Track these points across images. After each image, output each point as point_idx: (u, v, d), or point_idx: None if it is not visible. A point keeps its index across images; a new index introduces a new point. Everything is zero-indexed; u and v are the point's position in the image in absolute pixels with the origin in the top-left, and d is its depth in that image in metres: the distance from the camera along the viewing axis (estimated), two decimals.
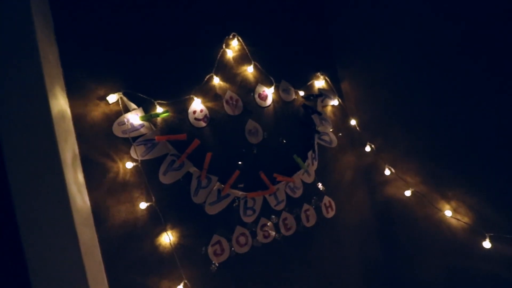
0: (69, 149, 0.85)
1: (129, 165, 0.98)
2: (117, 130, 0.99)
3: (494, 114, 0.98)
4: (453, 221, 1.12)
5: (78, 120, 0.94)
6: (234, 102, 1.22)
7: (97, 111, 0.98)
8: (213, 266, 1.07)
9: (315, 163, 1.36)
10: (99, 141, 0.97)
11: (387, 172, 1.30)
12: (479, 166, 1.04)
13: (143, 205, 0.97)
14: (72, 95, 0.94)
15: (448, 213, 1.10)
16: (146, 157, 1.02)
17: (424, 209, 1.23)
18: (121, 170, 0.99)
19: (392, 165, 1.30)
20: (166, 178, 1.04)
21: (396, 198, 1.35)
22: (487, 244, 0.99)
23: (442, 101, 1.12)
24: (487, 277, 1.04)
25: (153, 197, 0.99)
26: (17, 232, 0.73)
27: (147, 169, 1.01)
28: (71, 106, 0.94)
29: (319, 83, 1.46)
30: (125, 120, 1.00)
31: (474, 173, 1.06)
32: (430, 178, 1.19)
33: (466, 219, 1.07)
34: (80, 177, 0.90)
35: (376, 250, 1.45)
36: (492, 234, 0.99)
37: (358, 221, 1.44)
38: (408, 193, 1.23)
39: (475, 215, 1.05)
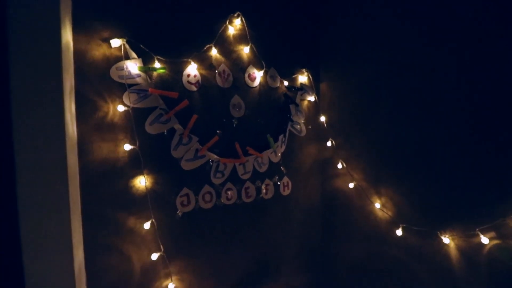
0: (68, 80, 0.91)
1: (121, 108, 1.05)
2: (114, 74, 1.05)
3: (416, 136, 1.25)
4: (379, 213, 1.40)
5: (79, 55, 0.99)
6: (226, 76, 1.34)
7: (98, 51, 1.03)
8: (178, 213, 1.21)
9: (283, 147, 1.54)
10: (95, 79, 1.03)
11: (339, 165, 1.54)
12: (405, 175, 1.31)
13: (127, 147, 1.06)
14: (77, 30, 0.98)
15: (377, 205, 1.37)
16: (137, 105, 1.10)
17: (360, 201, 1.49)
18: (111, 112, 1.06)
19: (345, 161, 1.54)
20: (151, 128, 1.13)
21: (341, 189, 1.60)
22: (399, 232, 1.27)
23: (391, 121, 1.37)
24: (394, 258, 1.33)
25: (137, 142, 1.09)
26: (12, 146, 0.78)
27: (135, 116, 1.10)
28: (74, 40, 0.98)
29: (303, 78, 1.63)
30: (124, 66, 1.06)
31: (401, 179, 1.33)
32: (371, 177, 1.45)
33: (389, 212, 1.34)
34: (73, 108, 0.96)
35: (317, 230, 1.71)
36: (404, 225, 1.27)
37: (307, 203, 1.67)
38: (351, 185, 1.49)
39: (396, 210, 1.33)
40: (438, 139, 1.21)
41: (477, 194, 1.09)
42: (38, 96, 0.81)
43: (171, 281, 1.17)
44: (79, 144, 0.99)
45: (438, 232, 1.17)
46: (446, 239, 1.14)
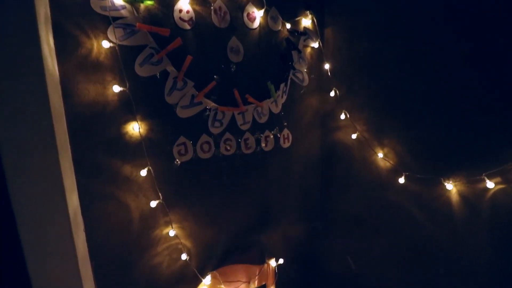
0: (41, 6, 0.79)
1: (106, 44, 0.94)
2: (95, 4, 0.92)
3: (422, 82, 1.17)
4: (381, 163, 1.37)
5: None
6: (222, 14, 1.20)
7: None
8: (176, 162, 1.16)
9: (285, 97, 1.46)
10: (74, 10, 0.90)
11: (342, 116, 1.47)
12: (409, 123, 1.26)
13: (116, 88, 0.97)
14: None
15: (380, 155, 1.34)
16: (124, 43, 0.99)
17: (362, 152, 1.46)
18: (95, 49, 0.95)
19: (348, 112, 1.48)
20: (142, 70, 1.03)
21: (342, 142, 1.56)
22: (401, 180, 1.25)
23: (399, 68, 1.27)
24: (394, 207, 1.34)
25: (127, 83, 0.99)
26: None
27: (123, 55, 0.99)
28: None
29: (306, 21, 1.49)
30: None
31: (405, 127, 1.28)
32: (374, 127, 1.40)
33: (392, 162, 1.31)
34: (51, 41, 0.85)
35: (316, 183, 1.70)
36: (407, 173, 1.25)
37: (307, 156, 1.64)
38: (354, 136, 1.44)
39: (399, 159, 1.30)
40: (443, 85, 1.14)
41: (484, 139, 1.05)
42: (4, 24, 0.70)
43: (172, 228, 1.17)
44: (63, 85, 0.90)
45: (442, 179, 1.15)
46: (449, 185, 1.13)
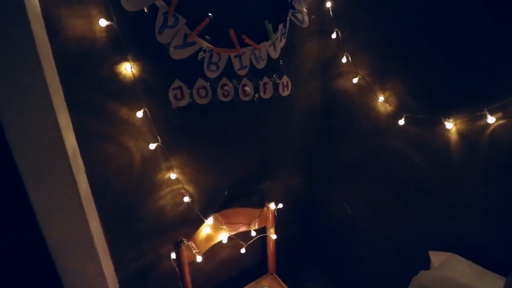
0: None
1: None
2: None
3: (425, 19, 1.09)
4: (382, 108, 1.35)
5: None
6: None
7: None
8: (172, 107, 1.14)
9: (283, 40, 1.38)
10: None
11: (344, 60, 1.42)
12: (412, 63, 1.21)
13: (103, 22, 0.91)
14: None
15: (381, 98, 1.31)
16: None
17: (362, 98, 1.43)
18: None
19: (350, 55, 1.41)
20: (129, 4, 0.96)
21: (343, 89, 1.51)
22: (401, 122, 1.24)
23: (403, 7, 1.18)
24: (392, 151, 1.35)
25: (114, 17, 0.93)
26: None
27: None
28: None
29: None
30: None
31: (408, 68, 1.23)
32: (377, 70, 1.35)
33: (392, 105, 1.29)
34: None
35: (315, 132, 1.70)
36: (407, 115, 1.23)
37: (307, 105, 1.61)
38: (355, 80, 1.40)
39: (400, 102, 1.27)
40: (446, 23, 1.06)
41: (486, 71, 1.01)
42: None
43: (173, 171, 1.19)
44: (46, 20, 0.84)
45: (442, 118, 1.14)
46: (449, 124, 1.12)
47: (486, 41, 1.00)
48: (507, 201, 1.05)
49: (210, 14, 1.14)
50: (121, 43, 0.97)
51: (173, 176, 1.19)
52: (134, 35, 1.00)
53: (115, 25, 0.93)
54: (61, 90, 0.89)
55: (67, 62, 0.90)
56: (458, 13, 1.04)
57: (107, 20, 0.92)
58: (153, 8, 1.01)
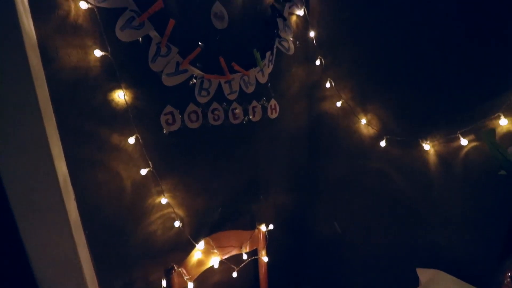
0: None
1: (84, 5, 0.90)
2: None
3: (403, 47, 1.20)
4: (365, 130, 1.43)
5: None
6: None
7: None
8: (164, 132, 1.16)
9: (271, 66, 1.46)
10: None
11: (327, 85, 1.50)
12: (391, 88, 1.30)
13: (98, 53, 0.94)
14: None
15: (363, 121, 1.39)
16: (102, 4, 0.94)
17: (346, 121, 1.51)
18: (73, 11, 0.91)
19: (333, 81, 1.50)
20: (123, 35, 1.00)
21: (328, 112, 1.59)
22: (383, 143, 1.31)
23: (381, 36, 1.30)
24: (376, 171, 1.41)
25: (108, 48, 0.96)
26: None
27: (103, 18, 0.95)
28: None
29: None
30: None
31: (387, 93, 1.32)
32: (358, 94, 1.43)
33: (374, 127, 1.37)
34: (25, 0, 0.80)
35: (303, 152, 1.75)
36: (388, 137, 1.31)
37: (294, 126, 1.67)
38: (339, 103, 1.48)
39: (381, 124, 1.35)
40: (422, 47, 1.17)
41: (459, 98, 1.11)
42: None
43: (164, 196, 1.18)
44: (42, 49, 0.86)
45: (420, 140, 1.22)
46: (426, 146, 1.20)
47: (457, 70, 1.10)
48: (482, 218, 1.12)
49: (201, 43, 1.19)
50: (114, 72, 0.99)
51: (164, 201, 1.19)
52: (127, 63, 1.03)
53: (109, 55, 0.96)
54: (53, 117, 0.89)
55: (61, 90, 0.92)
56: (432, 47, 1.15)
57: (102, 50, 0.95)
58: (147, 39, 1.05)
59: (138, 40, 1.03)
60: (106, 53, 0.96)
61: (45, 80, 0.86)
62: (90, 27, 0.94)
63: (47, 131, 0.79)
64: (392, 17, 1.25)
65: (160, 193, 1.20)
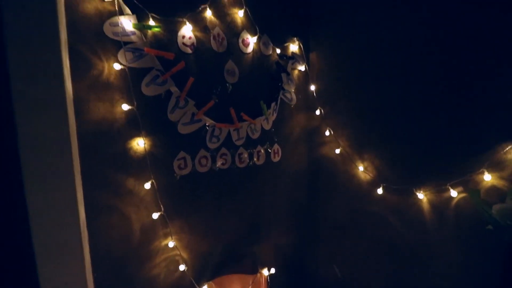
0: (62, 31, 0.86)
1: (117, 66, 1.02)
2: (108, 30, 1.01)
3: (396, 103, 1.35)
4: (362, 176, 1.52)
5: (70, 7, 0.93)
6: (220, 40, 1.32)
7: (90, 4, 0.97)
8: (176, 177, 1.23)
9: (275, 115, 1.59)
10: (88, 35, 0.98)
11: (327, 133, 1.62)
12: (386, 140, 1.43)
13: (125, 107, 1.04)
14: None
15: (361, 168, 1.49)
16: (132, 65, 1.07)
17: (344, 166, 1.61)
18: (106, 70, 1.02)
19: (332, 129, 1.63)
20: (148, 90, 1.11)
21: (327, 156, 1.70)
22: (380, 191, 1.40)
23: (375, 90, 1.46)
24: (376, 214, 1.48)
25: (135, 102, 1.07)
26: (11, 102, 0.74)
27: (131, 76, 1.07)
28: None
29: (294, 47, 1.65)
30: (119, 22, 1.01)
31: (382, 143, 1.45)
32: (355, 143, 1.55)
33: (371, 174, 1.47)
34: (67, 63, 0.91)
35: (303, 195, 1.82)
36: (384, 185, 1.40)
37: (295, 169, 1.76)
38: (337, 151, 1.59)
39: (377, 172, 1.45)
40: (416, 105, 1.32)
41: (448, 153, 1.23)
42: (34, 48, 0.77)
43: (172, 239, 1.21)
44: (76, 102, 0.96)
45: (414, 189, 1.31)
46: (420, 195, 1.29)
47: (446, 129, 1.24)
48: (479, 268, 1.18)
49: (214, 96, 1.32)
50: (137, 123, 1.09)
51: (171, 244, 1.21)
52: (149, 115, 1.13)
53: (135, 109, 1.07)
54: (79, 165, 0.96)
55: (87, 139, 0.99)
56: (422, 107, 1.30)
57: (129, 104, 1.05)
58: (168, 93, 1.16)
59: (160, 94, 1.14)
60: (132, 107, 1.06)
61: (75, 131, 0.95)
62: (119, 84, 1.05)
63: (75, 178, 0.86)
64: (385, 77, 1.42)
65: (167, 235, 1.23)
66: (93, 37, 0.99)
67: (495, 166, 1.11)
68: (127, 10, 1.03)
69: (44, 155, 0.80)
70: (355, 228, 1.59)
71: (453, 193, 1.19)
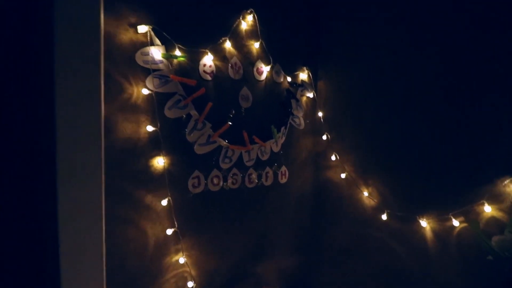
0: (101, 59, 0.96)
1: (145, 91, 1.12)
2: (139, 58, 1.11)
3: (400, 133, 1.43)
4: (366, 201, 1.57)
5: (109, 37, 1.04)
6: (237, 68, 1.43)
7: (125, 36, 1.08)
8: (190, 194, 1.30)
9: (284, 138, 1.67)
10: (121, 62, 1.08)
11: (333, 157, 1.69)
12: (390, 167, 1.49)
13: (150, 128, 1.13)
14: (107, 13, 1.03)
15: (365, 193, 1.54)
16: (158, 90, 1.17)
17: (349, 190, 1.66)
18: (135, 94, 1.12)
19: (338, 153, 1.70)
20: (170, 113, 1.21)
21: (332, 179, 1.76)
22: (384, 217, 1.45)
23: (380, 119, 1.54)
24: (380, 240, 1.51)
25: (158, 124, 1.16)
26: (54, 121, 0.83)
27: (157, 100, 1.16)
28: (104, 23, 1.02)
29: (303, 75, 1.76)
30: (149, 52, 1.12)
31: (386, 170, 1.51)
32: (360, 168, 1.62)
33: (375, 200, 1.52)
34: (102, 86, 1.01)
35: (308, 217, 1.86)
36: (388, 211, 1.45)
37: (301, 191, 1.81)
38: (343, 175, 1.65)
39: (381, 198, 1.51)
40: (419, 136, 1.40)
41: (450, 184, 1.29)
42: (78, 75, 0.86)
43: (182, 255, 1.26)
44: (105, 122, 1.04)
45: (417, 217, 1.36)
46: (423, 223, 1.33)
47: (448, 160, 1.30)
48: None
49: (229, 119, 1.41)
50: (159, 143, 1.17)
51: (181, 260, 1.26)
52: (169, 135, 1.21)
53: (158, 130, 1.15)
54: (103, 180, 1.03)
55: (112, 157, 1.07)
56: (424, 139, 1.37)
57: (153, 126, 1.14)
58: (188, 116, 1.25)
59: (181, 117, 1.23)
60: (156, 129, 1.14)
61: (104, 147, 1.03)
62: (145, 107, 1.14)
63: (102, 191, 0.93)
64: (389, 106, 1.51)
65: (179, 251, 1.27)
66: (126, 64, 1.09)
67: (495, 198, 1.16)
68: (157, 41, 1.15)
69: (78, 168, 0.87)
70: (359, 253, 1.62)
71: (455, 222, 1.24)
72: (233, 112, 1.43)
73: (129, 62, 1.10)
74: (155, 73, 1.15)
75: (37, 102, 0.83)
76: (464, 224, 1.24)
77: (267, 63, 1.56)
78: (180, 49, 1.22)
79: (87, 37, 0.87)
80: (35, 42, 0.82)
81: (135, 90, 1.12)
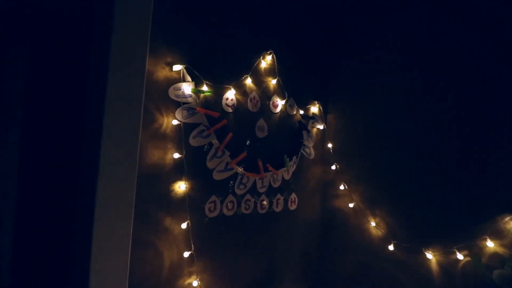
0: (143, 96, 1.09)
1: (175, 122, 1.23)
2: (171, 93, 1.24)
3: (407, 166, 1.52)
4: (373, 231, 1.63)
5: (148, 74, 1.17)
6: (255, 102, 1.56)
7: (161, 73, 1.22)
8: (206, 219, 1.37)
9: (294, 167, 1.76)
10: (156, 96, 1.21)
11: (341, 187, 1.77)
12: (397, 199, 1.57)
13: (176, 155, 1.23)
14: (149, 54, 1.17)
15: (372, 223, 1.60)
16: (186, 121, 1.28)
17: (357, 219, 1.72)
18: (165, 124, 1.24)
19: (346, 183, 1.78)
20: (194, 141, 1.31)
21: (340, 208, 1.82)
22: (391, 247, 1.50)
23: (388, 150, 1.64)
24: (386, 270, 1.55)
25: (183, 151, 1.26)
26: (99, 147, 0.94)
27: (184, 130, 1.28)
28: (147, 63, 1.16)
29: (314, 108, 1.89)
30: (181, 87, 1.25)
31: (394, 202, 1.58)
32: (368, 199, 1.69)
33: (382, 230, 1.58)
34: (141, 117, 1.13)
35: (316, 244, 1.90)
36: (395, 242, 1.50)
37: (309, 218, 1.87)
38: (351, 205, 1.72)
39: (388, 228, 1.56)
40: (426, 171, 1.48)
41: (455, 219, 1.36)
42: (124, 109, 0.98)
43: (196, 278, 1.30)
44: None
45: (423, 249, 1.41)
46: (429, 255, 1.38)
47: (452, 196, 1.38)
48: None
49: (246, 148, 1.51)
50: (182, 169, 1.26)
51: (195, 283, 1.30)
52: (192, 162, 1.31)
53: (183, 157, 1.25)
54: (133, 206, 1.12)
55: (140, 179, 1.16)
56: (429, 177, 1.46)
57: (179, 153, 1.24)
58: (210, 144, 1.36)
59: (204, 145, 1.34)
60: (181, 156, 1.25)
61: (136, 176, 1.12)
62: (173, 136, 1.25)
63: (132, 212, 1.01)
64: (396, 140, 1.61)
65: (192, 274, 1.32)
66: (160, 97, 1.22)
67: (496, 234, 1.23)
68: (188, 78, 1.28)
69: (114, 196, 0.96)
70: (365, 282, 1.64)
71: (459, 256, 1.29)
72: (250, 141, 1.54)
73: (162, 96, 1.22)
74: (184, 105, 1.27)
75: (85, 139, 0.94)
76: (468, 258, 1.29)
77: (282, 98, 1.69)
78: (207, 84, 1.35)
79: (134, 79, 1.00)
80: (88, 88, 0.95)
81: (165, 120, 1.23)
